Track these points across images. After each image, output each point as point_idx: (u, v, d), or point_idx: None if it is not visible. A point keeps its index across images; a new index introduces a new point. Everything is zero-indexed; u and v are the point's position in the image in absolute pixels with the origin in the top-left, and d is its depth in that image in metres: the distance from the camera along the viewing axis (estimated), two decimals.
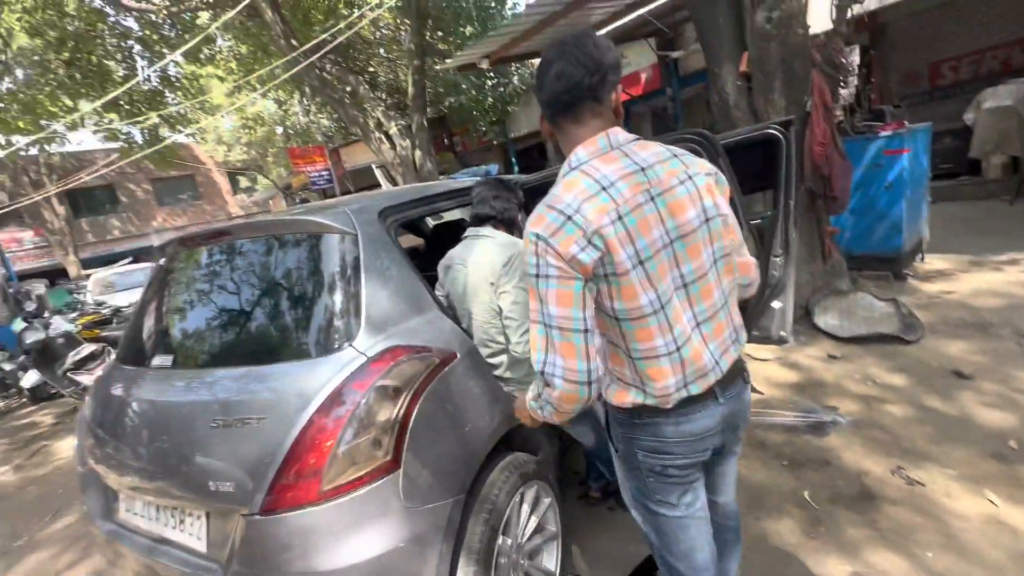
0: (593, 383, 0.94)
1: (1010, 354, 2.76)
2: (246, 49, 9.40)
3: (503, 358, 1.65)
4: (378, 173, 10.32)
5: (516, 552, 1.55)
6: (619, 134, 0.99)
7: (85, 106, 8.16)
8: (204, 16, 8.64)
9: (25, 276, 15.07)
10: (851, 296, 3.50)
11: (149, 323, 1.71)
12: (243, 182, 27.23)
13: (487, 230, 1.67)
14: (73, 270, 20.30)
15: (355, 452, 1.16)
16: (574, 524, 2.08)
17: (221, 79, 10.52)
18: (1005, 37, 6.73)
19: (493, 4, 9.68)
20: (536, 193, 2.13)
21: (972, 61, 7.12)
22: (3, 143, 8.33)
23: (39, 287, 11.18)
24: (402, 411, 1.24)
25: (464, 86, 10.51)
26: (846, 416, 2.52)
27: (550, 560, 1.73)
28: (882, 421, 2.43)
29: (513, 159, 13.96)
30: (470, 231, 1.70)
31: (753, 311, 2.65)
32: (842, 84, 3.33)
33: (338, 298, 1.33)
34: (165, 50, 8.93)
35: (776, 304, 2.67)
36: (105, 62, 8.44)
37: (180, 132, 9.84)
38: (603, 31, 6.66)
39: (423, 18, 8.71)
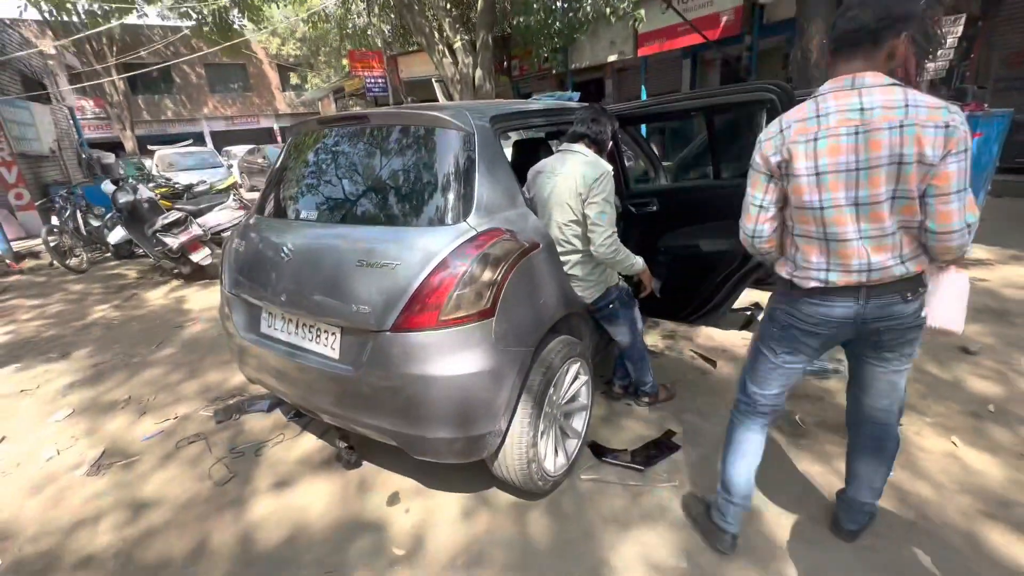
0: (756, 239, 1.45)
1: (1019, 340, 2.98)
2: None
3: (573, 257, 2.00)
4: (437, 88, 10.29)
5: (557, 409, 1.99)
6: (867, 77, 1.24)
7: None
8: None
9: (90, 145, 15.82)
10: None
11: (290, 185, 2.09)
12: (293, 79, 27.04)
13: (580, 147, 1.95)
14: (129, 145, 21.12)
15: (464, 298, 1.55)
16: (598, 412, 2.53)
17: None
18: None
19: None
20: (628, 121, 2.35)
21: None
22: (83, 5, 8.57)
23: (109, 157, 11.89)
24: (499, 276, 1.61)
25: (535, 6, 10.09)
26: (843, 367, 2.83)
27: (579, 423, 2.17)
28: None
29: (571, 91, 13.56)
30: (564, 145, 1.98)
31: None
32: (930, 57, 3.29)
33: (457, 182, 1.67)
34: None
35: None
36: None
37: (250, 19, 9.85)
38: None
39: None
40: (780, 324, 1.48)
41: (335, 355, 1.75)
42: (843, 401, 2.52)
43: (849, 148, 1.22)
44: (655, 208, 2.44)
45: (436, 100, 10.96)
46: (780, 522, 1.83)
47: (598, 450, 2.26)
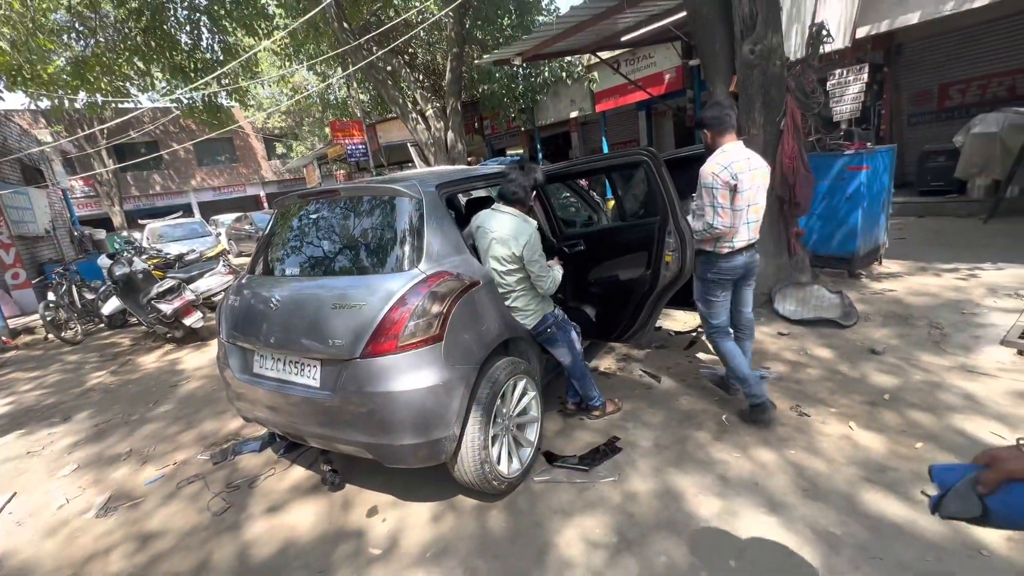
0: (721, 227, 2.40)
1: (919, 339, 3.43)
2: (298, 27, 10.15)
3: (512, 294, 2.44)
4: (412, 151, 11.08)
5: (509, 420, 2.35)
6: (739, 142, 2.42)
7: (156, 71, 9.08)
8: None
9: (80, 223, 16.28)
10: (808, 288, 4.17)
11: (277, 248, 2.53)
12: (278, 148, 28.31)
13: (502, 206, 2.43)
14: (117, 220, 21.71)
15: (418, 327, 1.96)
16: (554, 427, 2.89)
17: (275, 52, 11.33)
18: (1012, 65, 7.12)
19: (531, 0, 10.22)
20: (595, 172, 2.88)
21: (979, 86, 7.51)
22: (82, 99, 9.31)
23: (100, 233, 12.36)
24: (445, 308, 2.03)
25: (497, 75, 11.13)
26: (774, 373, 3.24)
27: (532, 434, 2.53)
28: (799, 378, 3.15)
29: (539, 145, 14.57)
30: (494, 204, 2.47)
31: None
32: (811, 109, 3.94)
33: (411, 237, 2.13)
34: (226, 22, 9.76)
35: None
36: (174, 31, 9.32)
37: (238, 100, 10.70)
38: (629, 36, 7.25)
39: (465, 9, 9.33)
40: (713, 279, 2.58)
41: (316, 384, 2.13)
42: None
43: (749, 176, 2.35)
44: (582, 247, 2.92)
45: (412, 162, 11.75)
46: (699, 502, 2.18)
47: (551, 457, 2.60)
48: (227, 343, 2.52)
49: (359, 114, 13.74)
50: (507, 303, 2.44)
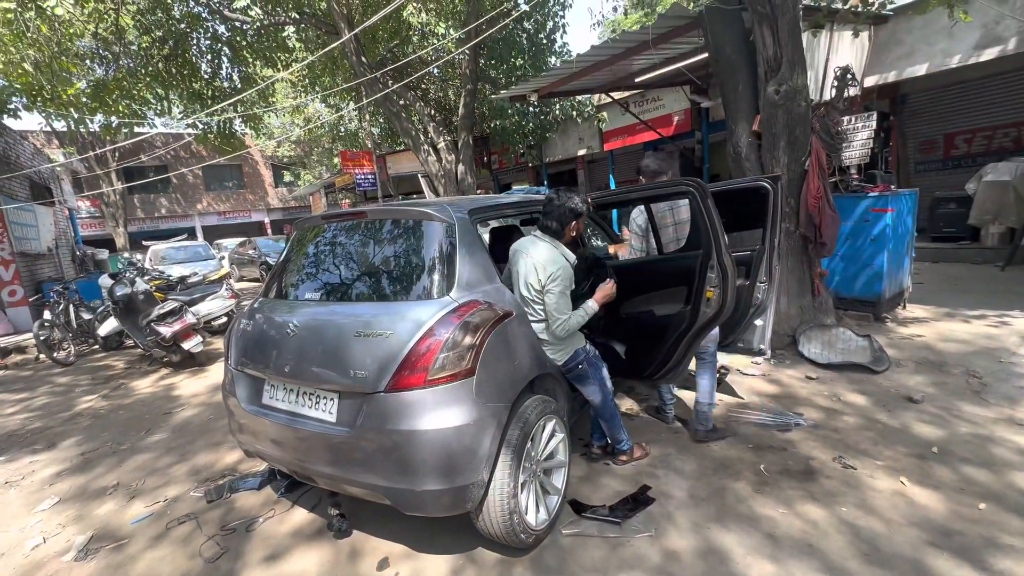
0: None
1: (958, 388, 3.27)
2: (317, 60, 10.42)
3: (541, 324, 2.29)
4: (423, 182, 11.15)
5: (536, 464, 2.16)
6: None
7: (174, 97, 9.22)
8: (290, 29, 9.70)
9: (84, 242, 16.24)
10: (833, 330, 4.04)
11: (297, 271, 2.40)
12: (285, 176, 28.70)
13: (540, 233, 2.33)
14: (120, 241, 21.70)
15: (448, 359, 1.80)
16: (578, 472, 2.68)
17: (293, 83, 11.59)
18: (1016, 117, 7.26)
19: (544, 41, 10.54)
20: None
21: (984, 136, 7.64)
22: (98, 121, 9.41)
23: (103, 253, 12.27)
24: (478, 340, 1.88)
25: (509, 111, 11.36)
26: (808, 420, 3.06)
27: (559, 480, 2.33)
28: (836, 426, 2.97)
29: (545, 181, 14.74)
30: (536, 231, 2.35)
31: (739, 328, 3.25)
32: (836, 149, 3.93)
33: (441, 263, 2.00)
34: (247, 53, 10.01)
35: (759, 322, 3.28)
36: (196, 60, 9.52)
37: (251, 128, 10.86)
38: (643, 78, 7.41)
39: (480, 48, 9.60)
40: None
41: (332, 418, 1.95)
42: (805, 451, 2.74)
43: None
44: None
45: (421, 193, 11.82)
46: (748, 564, 1.96)
47: (578, 507, 2.39)
48: (235, 370, 2.35)
49: (370, 145, 13.94)
50: (537, 333, 2.29)
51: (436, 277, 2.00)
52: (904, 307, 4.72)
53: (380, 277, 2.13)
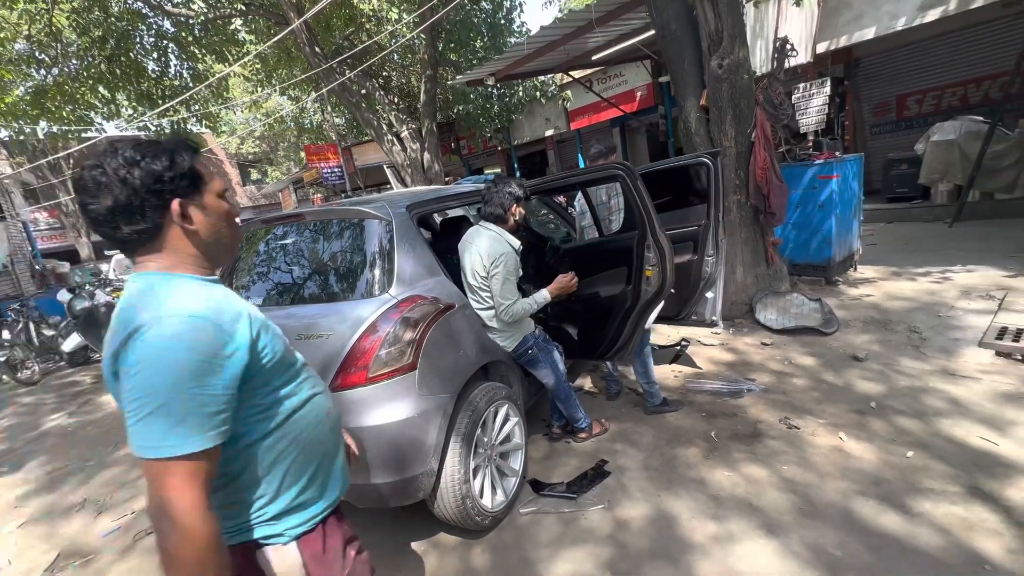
0: None
1: (899, 344, 3.44)
2: (270, 52, 10.10)
3: (488, 313, 2.34)
4: (389, 173, 11.00)
5: (491, 449, 2.23)
6: None
7: (121, 98, 8.87)
8: (237, 22, 9.35)
9: (44, 256, 15.66)
10: (787, 296, 4.18)
11: (238, 278, 2.39)
12: (253, 174, 27.96)
13: (484, 223, 2.35)
14: (84, 252, 20.94)
15: (390, 355, 1.84)
16: (540, 453, 2.77)
17: (247, 78, 11.21)
18: (962, 76, 7.45)
19: (503, 21, 10.38)
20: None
21: (933, 96, 7.83)
22: (43, 129, 9.02)
23: (63, 266, 11.88)
24: (418, 334, 1.92)
25: (472, 95, 11.21)
26: (760, 385, 3.19)
27: (516, 463, 2.41)
28: (785, 388, 3.11)
29: (515, 164, 14.67)
30: (481, 221, 2.38)
31: (691, 301, 3.34)
32: (780, 120, 4.01)
33: (381, 260, 2.02)
34: (195, 49, 9.63)
35: (709, 294, 3.37)
36: (141, 59, 9.14)
37: (208, 127, 10.53)
38: (599, 55, 7.38)
39: (437, 32, 9.41)
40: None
41: None
42: (754, 414, 2.87)
43: None
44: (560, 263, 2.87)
45: (388, 183, 11.66)
46: (693, 527, 2.08)
47: (537, 485, 2.48)
48: None
49: (334, 137, 13.65)
50: (484, 322, 2.34)
51: (376, 274, 2.02)
52: (855, 269, 4.89)
53: (322, 278, 2.15)
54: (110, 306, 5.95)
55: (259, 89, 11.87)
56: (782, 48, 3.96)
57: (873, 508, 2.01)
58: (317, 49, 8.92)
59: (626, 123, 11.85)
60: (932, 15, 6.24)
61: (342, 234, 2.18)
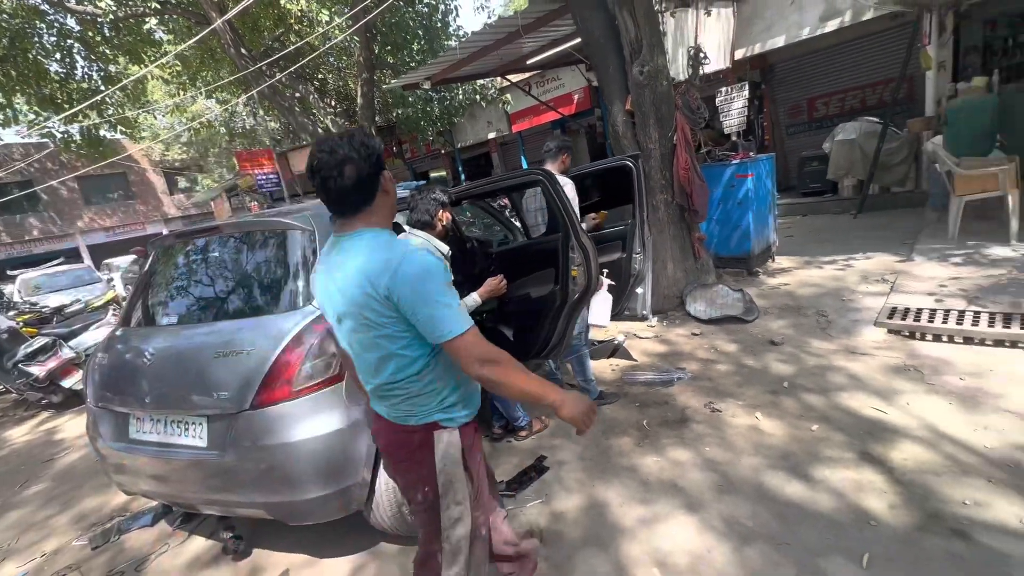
0: None
1: (809, 327, 3.76)
2: (192, 53, 9.54)
3: None
4: None
5: None
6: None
7: (20, 103, 8.09)
8: (152, 21, 8.76)
9: None
10: (714, 288, 4.45)
11: (153, 296, 2.27)
12: (181, 182, 26.22)
13: (411, 229, 2.36)
14: None
15: (315, 368, 1.82)
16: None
17: (167, 81, 10.52)
18: (861, 81, 8.21)
19: (439, 24, 10.35)
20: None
21: (838, 99, 8.58)
22: None
23: None
24: None
25: (411, 98, 11.10)
26: (689, 373, 3.39)
27: None
28: (711, 375, 3.32)
29: (460, 167, 14.66)
30: (408, 229, 2.37)
31: (624, 297, 3.50)
32: (698, 124, 4.27)
33: (304, 271, 1.99)
34: (105, 49, 8.94)
35: (639, 290, 3.55)
36: (41, 59, 8.37)
37: (124, 133, 9.78)
38: (534, 60, 7.53)
39: (372, 34, 9.25)
40: None
41: (203, 443, 1.91)
42: (683, 401, 3.05)
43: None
44: (495, 267, 2.93)
45: None
46: (623, 512, 2.19)
47: None
48: (97, 408, 2.20)
49: (268, 142, 13.07)
50: None
51: (300, 286, 1.99)
52: (773, 260, 5.29)
53: (242, 292, 2.08)
54: (13, 332, 5.41)
55: (182, 92, 11.17)
56: (696, 56, 4.23)
57: (781, 479, 2.20)
58: (244, 51, 8.54)
59: (566, 125, 12.14)
60: (831, 25, 6.86)
61: (264, 246, 2.12)
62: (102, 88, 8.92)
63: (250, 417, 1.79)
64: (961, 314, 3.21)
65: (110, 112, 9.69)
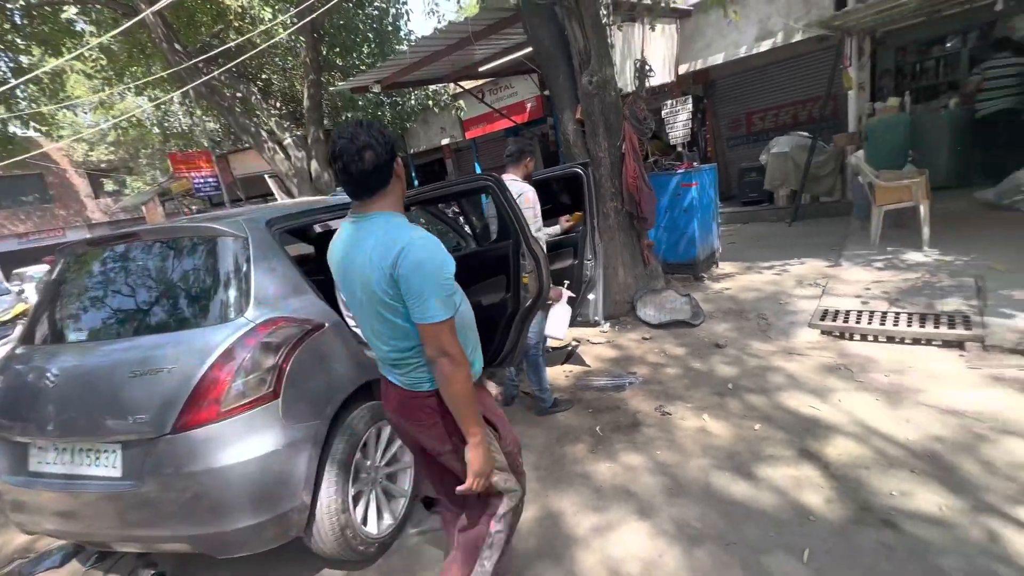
0: None
1: (751, 330, 3.93)
2: (119, 46, 8.87)
3: None
4: (271, 183, 10.21)
5: (375, 471, 2.14)
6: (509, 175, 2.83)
7: None
8: (71, 11, 8.07)
9: None
10: (662, 293, 4.58)
11: (61, 309, 2.03)
12: (108, 184, 24.28)
13: None
14: None
15: (247, 386, 1.68)
16: None
17: (89, 76, 9.70)
18: (793, 97, 8.80)
19: (389, 28, 10.18)
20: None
21: (773, 114, 9.15)
22: None
23: None
24: (281, 359, 1.78)
25: (361, 102, 10.83)
26: (639, 377, 3.45)
27: (405, 483, 2.33)
28: (661, 378, 3.39)
29: (413, 172, 14.43)
30: None
31: (577, 303, 3.52)
32: (645, 134, 4.40)
33: (236, 281, 1.84)
34: (16, 39, 8.14)
35: (591, 296, 3.57)
36: None
37: (38, 130, 8.92)
38: (486, 67, 7.54)
39: (319, 35, 8.95)
40: None
41: (117, 473, 1.72)
42: (634, 405, 3.09)
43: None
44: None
45: (272, 195, 10.82)
46: (577, 521, 2.17)
47: (429, 503, 2.41)
48: None
49: (207, 143, 12.34)
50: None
51: (231, 297, 1.84)
52: (717, 265, 5.52)
53: (165, 304, 1.90)
54: None
55: (107, 88, 10.34)
56: (642, 68, 4.36)
57: (727, 479, 2.26)
58: (178, 46, 8.02)
59: (519, 133, 12.23)
60: (765, 45, 7.30)
61: (192, 253, 1.95)
62: (11, 80, 8.09)
63: (171, 441, 1.62)
64: (884, 315, 3.46)
65: (22, 107, 8.83)
